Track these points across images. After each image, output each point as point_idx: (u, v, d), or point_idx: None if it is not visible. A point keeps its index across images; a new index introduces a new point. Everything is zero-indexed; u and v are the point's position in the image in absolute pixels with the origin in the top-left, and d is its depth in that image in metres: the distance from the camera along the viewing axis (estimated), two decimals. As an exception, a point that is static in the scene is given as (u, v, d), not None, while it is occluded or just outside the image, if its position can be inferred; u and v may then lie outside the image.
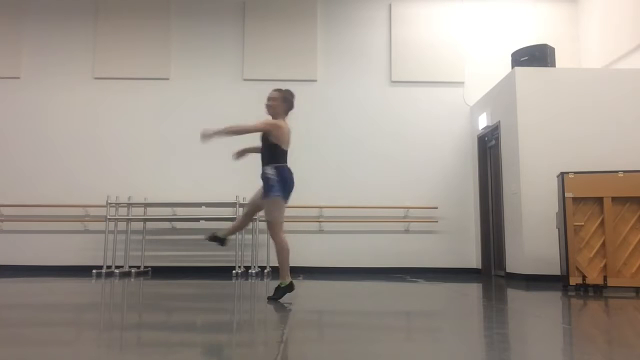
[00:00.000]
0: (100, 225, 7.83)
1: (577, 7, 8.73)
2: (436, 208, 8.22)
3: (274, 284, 5.93)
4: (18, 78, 8.60)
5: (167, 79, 8.63)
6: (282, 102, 4.27)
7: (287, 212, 7.98)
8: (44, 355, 2.08)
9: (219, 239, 4.35)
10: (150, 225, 8.09)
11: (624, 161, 6.04)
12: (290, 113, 8.79)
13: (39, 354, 2.09)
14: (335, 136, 8.40)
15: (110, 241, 7.59)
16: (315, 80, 8.63)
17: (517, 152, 6.62)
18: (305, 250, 7.97)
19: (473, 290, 5.37)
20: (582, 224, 5.22)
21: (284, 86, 8.88)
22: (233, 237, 4.26)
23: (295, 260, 7.90)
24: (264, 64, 8.60)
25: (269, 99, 4.28)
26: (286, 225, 7.96)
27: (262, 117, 9.04)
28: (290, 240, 8.33)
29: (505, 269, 7.11)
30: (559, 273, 5.53)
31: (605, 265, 5.11)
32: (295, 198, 7.63)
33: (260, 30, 8.68)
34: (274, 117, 4.26)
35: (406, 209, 8.24)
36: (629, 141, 6.53)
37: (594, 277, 5.10)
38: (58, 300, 4.12)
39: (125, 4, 8.77)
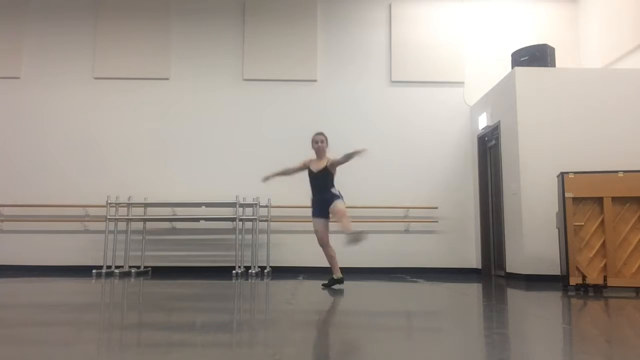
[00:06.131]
0: (100, 225, 7.83)
1: (577, 7, 8.73)
2: (436, 208, 8.21)
3: (274, 283, 5.94)
4: (18, 78, 8.60)
5: (167, 79, 8.63)
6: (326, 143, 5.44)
7: (288, 211, 8.07)
8: (44, 355, 2.08)
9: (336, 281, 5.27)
10: (150, 225, 8.09)
11: (624, 161, 6.03)
12: (289, 113, 9.12)
13: (39, 354, 2.09)
14: (335, 136, 8.35)
15: (110, 241, 7.58)
16: (315, 80, 8.62)
17: (517, 152, 6.62)
18: (305, 250, 7.96)
19: (473, 290, 5.37)
20: (582, 224, 5.21)
21: (284, 86, 8.94)
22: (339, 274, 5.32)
23: (295, 261, 7.98)
24: (264, 64, 8.60)
25: (319, 141, 5.40)
26: (286, 225, 8.07)
27: (261, 117, 9.01)
28: (290, 240, 8.33)
29: (505, 269, 7.11)
30: (559, 273, 5.53)
31: (605, 265, 5.11)
32: (294, 198, 7.67)
33: (260, 30, 8.68)
34: (323, 154, 5.39)
35: (406, 209, 8.24)
36: (629, 141, 6.52)
37: (594, 277, 5.10)
38: (58, 300, 4.12)
39: (125, 4, 8.77)
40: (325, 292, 4.82)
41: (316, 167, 5.37)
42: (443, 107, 8.52)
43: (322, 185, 5.29)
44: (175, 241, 8.22)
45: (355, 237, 4.77)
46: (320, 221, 5.30)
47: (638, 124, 6.58)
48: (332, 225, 5.40)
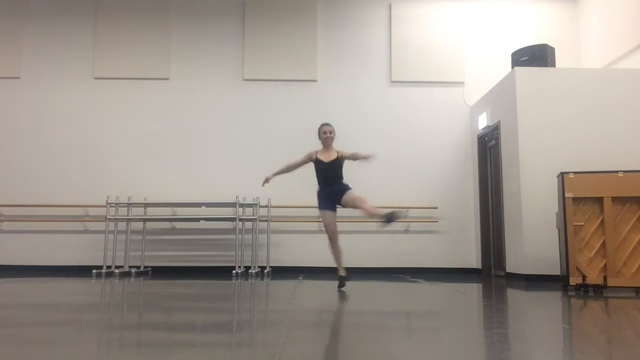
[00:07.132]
0: (100, 225, 7.82)
1: (577, 7, 8.73)
2: (436, 208, 8.21)
3: (274, 283, 5.94)
4: (18, 78, 8.59)
5: (167, 79, 8.62)
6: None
7: (288, 211, 8.07)
8: (44, 355, 2.08)
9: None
10: (150, 225, 8.09)
11: (624, 161, 6.02)
12: (289, 113, 9.08)
13: (39, 354, 2.09)
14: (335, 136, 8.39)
15: (110, 241, 7.58)
16: (315, 80, 8.62)
17: (517, 152, 6.62)
18: (305, 250, 7.97)
19: (473, 290, 5.37)
20: (582, 224, 5.21)
21: (284, 86, 8.93)
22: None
23: (295, 260, 7.99)
24: (264, 64, 8.60)
25: (328, 131, 5.29)
26: (286, 225, 8.07)
27: (261, 117, 9.02)
28: (290, 240, 8.32)
29: (505, 269, 7.11)
30: (559, 273, 5.53)
31: (605, 265, 5.11)
32: (294, 198, 7.68)
33: (260, 30, 8.68)
34: (331, 146, 5.31)
35: (406, 209, 8.23)
36: (629, 141, 6.52)
37: (594, 277, 5.10)
38: (58, 300, 4.12)
39: (125, 4, 8.77)
40: (326, 292, 4.82)
41: (327, 157, 5.20)
42: (443, 107, 8.52)
43: (335, 175, 5.15)
44: (175, 241, 8.22)
45: (391, 216, 4.58)
46: (332, 214, 5.08)
47: (638, 124, 6.58)
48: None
